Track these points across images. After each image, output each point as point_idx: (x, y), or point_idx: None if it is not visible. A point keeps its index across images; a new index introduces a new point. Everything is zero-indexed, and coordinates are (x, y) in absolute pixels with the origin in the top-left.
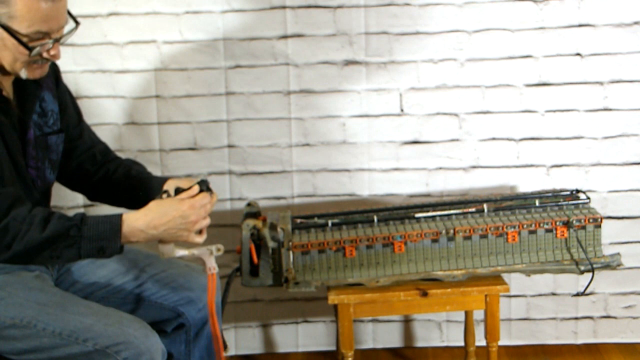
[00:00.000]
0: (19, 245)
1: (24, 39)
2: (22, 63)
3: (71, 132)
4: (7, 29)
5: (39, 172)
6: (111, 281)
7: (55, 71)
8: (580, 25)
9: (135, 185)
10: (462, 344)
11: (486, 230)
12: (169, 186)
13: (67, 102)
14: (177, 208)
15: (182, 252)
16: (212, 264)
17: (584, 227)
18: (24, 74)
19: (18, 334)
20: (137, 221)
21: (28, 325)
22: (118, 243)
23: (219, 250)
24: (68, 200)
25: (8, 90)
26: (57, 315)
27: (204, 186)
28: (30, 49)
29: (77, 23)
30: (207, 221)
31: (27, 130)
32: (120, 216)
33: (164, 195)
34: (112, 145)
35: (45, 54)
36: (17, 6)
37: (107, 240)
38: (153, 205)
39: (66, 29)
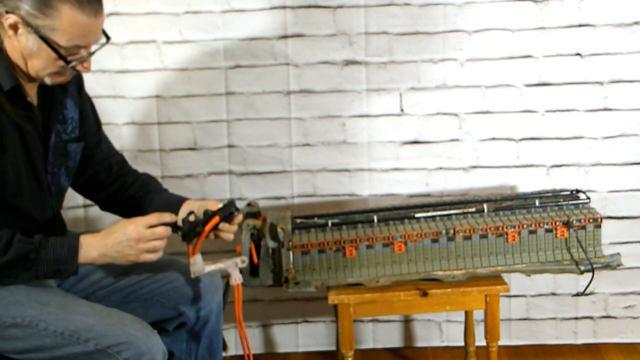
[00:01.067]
0: None
1: (62, 51)
2: (48, 72)
3: (89, 141)
4: (48, 41)
5: (54, 177)
6: (113, 281)
7: (78, 79)
8: (580, 25)
9: (152, 201)
10: (462, 344)
11: (486, 230)
12: (189, 207)
13: (88, 111)
14: (122, 226)
15: (210, 268)
16: (237, 275)
17: (584, 227)
18: (48, 81)
19: (20, 333)
20: (92, 240)
21: (30, 325)
22: (75, 265)
23: (243, 262)
24: (67, 200)
25: (32, 96)
26: (58, 315)
27: (232, 208)
28: (67, 62)
29: (107, 38)
30: (159, 243)
31: (50, 137)
32: (77, 239)
33: (191, 217)
34: None
35: (78, 67)
36: (60, 20)
37: (64, 263)
38: (111, 225)
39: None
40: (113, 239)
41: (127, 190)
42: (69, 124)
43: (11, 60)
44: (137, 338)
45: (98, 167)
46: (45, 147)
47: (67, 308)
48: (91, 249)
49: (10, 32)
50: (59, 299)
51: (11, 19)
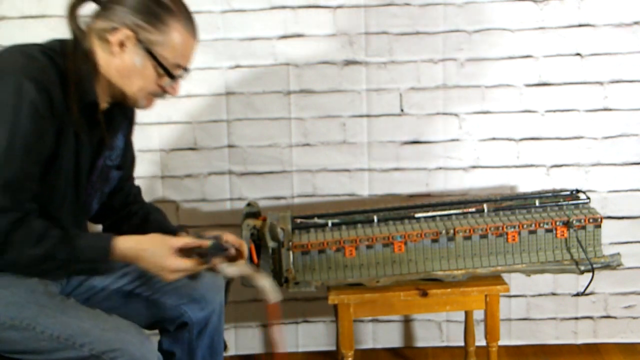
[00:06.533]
0: (12, 252)
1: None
2: (145, 92)
3: (125, 172)
4: (156, 57)
5: (89, 198)
6: (115, 281)
7: (132, 112)
8: (580, 25)
9: (149, 231)
10: (462, 344)
11: (486, 230)
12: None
13: (131, 144)
14: (162, 254)
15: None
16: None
17: (584, 227)
18: (142, 103)
19: (17, 336)
20: (125, 243)
21: (27, 328)
22: (108, 266)
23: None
24: None
25: (99, 117)
26: (56, 318)
27: (215, 249)
28: (172, 77)
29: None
30: (184, 274)
31: (99, 157)
32: (111, 242)
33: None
34: None
35: (169, 89)
36: (170, 35)
37: (98, 262)
38: (147, 239)
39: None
40: (149, 257)
41: (130, 219)
42: (114, 151)
43: (102, 76)
44: (132, 344)
45: (120, 196)
46: (92, 167)
47: (65, 311)
48: (125, 250)
49: (116, 48)
50: (57, 302)
51: (122, 33)
